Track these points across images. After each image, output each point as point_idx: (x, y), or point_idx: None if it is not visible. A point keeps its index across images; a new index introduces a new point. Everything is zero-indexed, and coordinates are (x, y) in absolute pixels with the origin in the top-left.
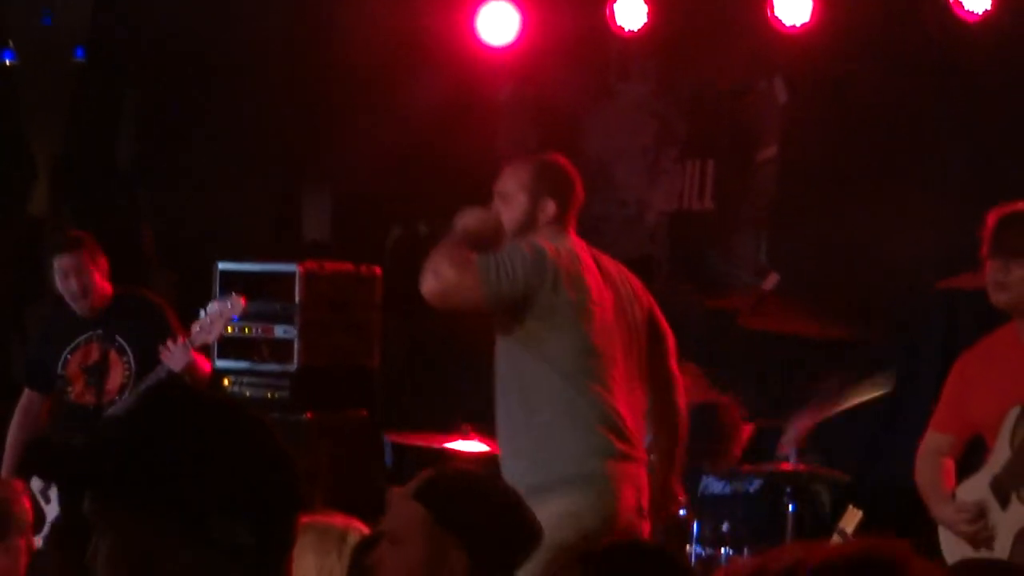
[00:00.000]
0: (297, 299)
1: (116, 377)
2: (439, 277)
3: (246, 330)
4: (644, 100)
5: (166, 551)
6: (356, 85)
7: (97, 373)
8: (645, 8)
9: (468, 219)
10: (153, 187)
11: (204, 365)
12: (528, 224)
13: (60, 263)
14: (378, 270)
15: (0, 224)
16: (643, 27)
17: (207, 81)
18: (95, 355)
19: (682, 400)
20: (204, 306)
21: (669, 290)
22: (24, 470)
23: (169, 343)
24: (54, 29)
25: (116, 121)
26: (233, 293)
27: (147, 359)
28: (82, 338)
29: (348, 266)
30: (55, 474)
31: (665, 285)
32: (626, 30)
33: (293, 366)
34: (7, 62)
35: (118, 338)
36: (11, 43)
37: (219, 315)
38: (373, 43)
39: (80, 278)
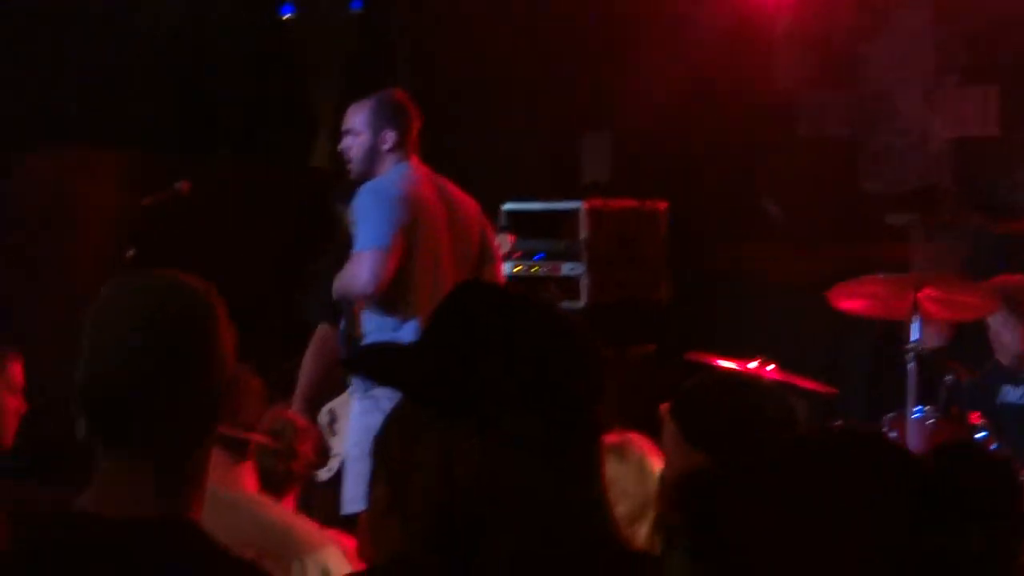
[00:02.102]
0: (583, 236)
1: None
2: (362, 285)
3: (533, 269)
4: (923, 28)
5: (466, 448)
6: (633, 24)
7: None
8: None
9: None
10: (435, 133)
11: None
12: (374, 154)
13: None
14: (662, 205)
15: (283, 177)
16: None
17: (484, 26)
18: None
19: None
20: None
21: (956, 217)
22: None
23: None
24: None
25: (394, 70)
26: (502, 230)
27: None
28: None
29: (632, 202)
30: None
31: (952, 212)
32: None
33: (581, 303)
34: (286, 16)
35: None
36: None
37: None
38: None
39: None
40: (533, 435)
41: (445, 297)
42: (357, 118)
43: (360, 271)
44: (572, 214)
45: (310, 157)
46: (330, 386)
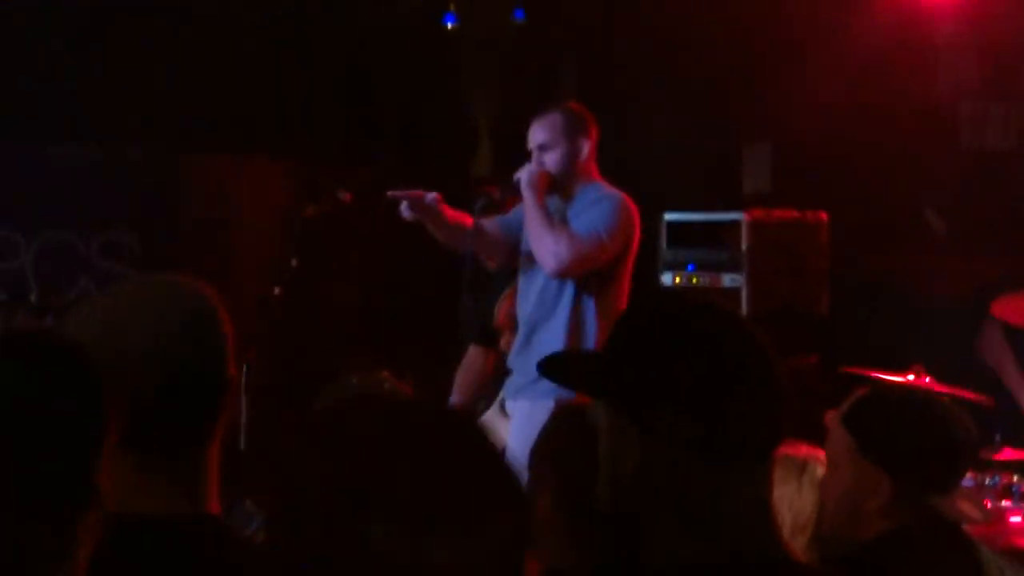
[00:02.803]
0: (744, 247)
1: None
2: (560, 261)
3: (694, 279)
4: None
5: (628, 448)
6: (792, 33)
7: None
8: None
9: (529, 177)
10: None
11: None
12: (571, 166)
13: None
14: (824, 216)
15: (445, 187)
16: None
17: (644, 39)
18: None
19: None
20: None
21: None
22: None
23: None
24: None
25: (556, 81)
26: None
27: None
28: (508, 288)
29: (793, 213)
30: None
31: None
32: None
33: (742, 314)
34: (449, 26)
35: None
36: (452, 6)
37: None
38: None
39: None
40: (689, 437)
41: (631, 305)
42: (546, 132)
43: (561, 248)
44: (733, 225)
45: (471, 167)
46: (474, 406)
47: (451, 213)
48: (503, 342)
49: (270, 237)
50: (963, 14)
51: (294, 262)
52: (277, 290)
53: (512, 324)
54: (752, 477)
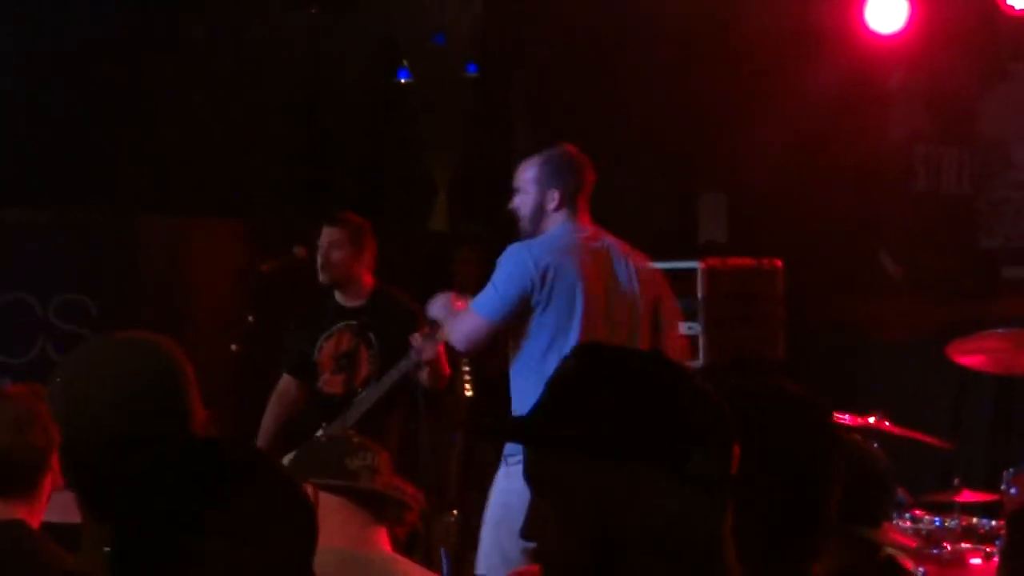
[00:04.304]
0: (700, 295)
1: (362, 369)
2: (456, 340)
3: None
4: None
5: (635, 492)
6: (746, 83)
7: (347, 362)
8: None
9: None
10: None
11: (446, 365)
12: (540, 213)
13: (324, 234)
14: (779, 263)
15: (403, 241)
16: None
17: (598, 89)
18: (346, 345)
19: None
20: None
21: None
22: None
23: (421, 332)
24: (446, 47)
25: (511, 133)
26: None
27: (391, 356)
28: (338, 326)
29: (749, 261)
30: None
31: None
32: (1017, 8)
33: (698, 362)
34: (402, 81)
35: (369, 332)
36: (406, 62)
37: None
38: (762, 39)
39: (332, 254)
40: (708, 475)
41: (563, 360)
42: (525, 176)
43: (460, 328)
44: (689, 273)
45: (429, 220)
46: (287, 437)
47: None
48: (322, 380)
49: (227, 296)
50: (914, 61)
51: (250, 319)
52: (234, 347)
53: (331, 364)
54: (724, 511)
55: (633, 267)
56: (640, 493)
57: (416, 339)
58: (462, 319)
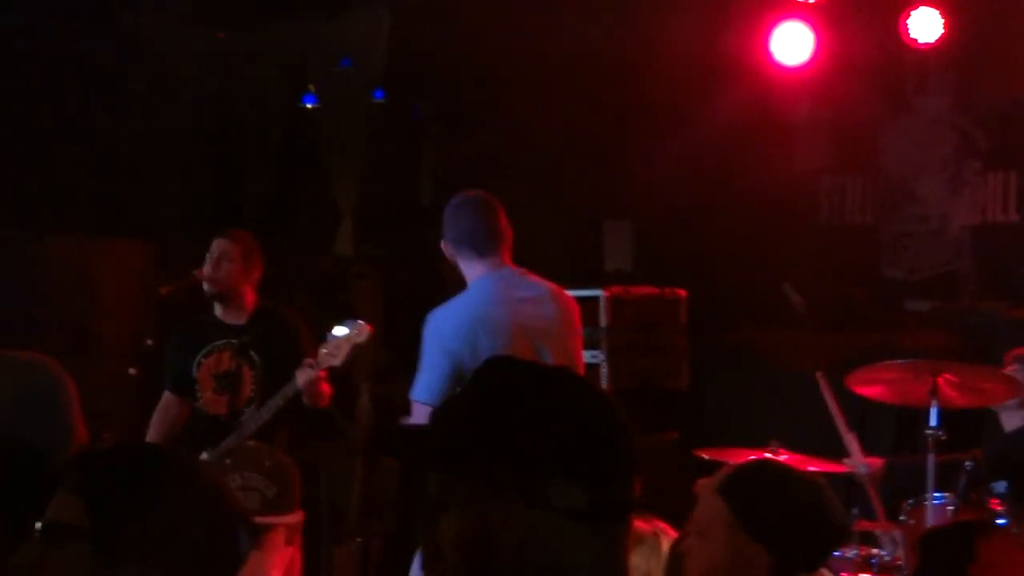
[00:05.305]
0: (603, 324)
1: (245, 389)
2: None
3: None
4: (943, 113)
5: (508, 520)
6: (651, 112)
7: (229, 382)
8: (940, 20)
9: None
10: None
11: (326, 389)
12: (455, 265)
13: (215, 246)
14: (682, 292)
15: (306, 265)
16: (939, 39)
17: (503, 117)
18: (227, 364)
19: None
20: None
21: (976, 302)
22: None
23: (307, 361)
24: (352, 72)
25: (415, 159)
26: (360, 320)
27: (274, 375)
28: (218, 343)
29: (653, 289)
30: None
31: (972, 298)
32: (921, 43)
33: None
34: (309, 106)
35: (251, 351)
36: (312, 87)
37: (346, 340)
38: (667, 69)
39: (222, 265)
40: (574, 506)
41: (476, 371)
42: (443, 229)
43: (416, 424)
44: (593, 302)
45: (334, 244)
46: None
47: None
48: (203, 399)
49: (133, 317)
50: (817, 92)
51: (149, 341)
52: (132, 370)
53: (211, 383)
54: (620, 540)
55: (556, 306)
56: (516, 520)
57: (302, 367)
58: (414, 416)
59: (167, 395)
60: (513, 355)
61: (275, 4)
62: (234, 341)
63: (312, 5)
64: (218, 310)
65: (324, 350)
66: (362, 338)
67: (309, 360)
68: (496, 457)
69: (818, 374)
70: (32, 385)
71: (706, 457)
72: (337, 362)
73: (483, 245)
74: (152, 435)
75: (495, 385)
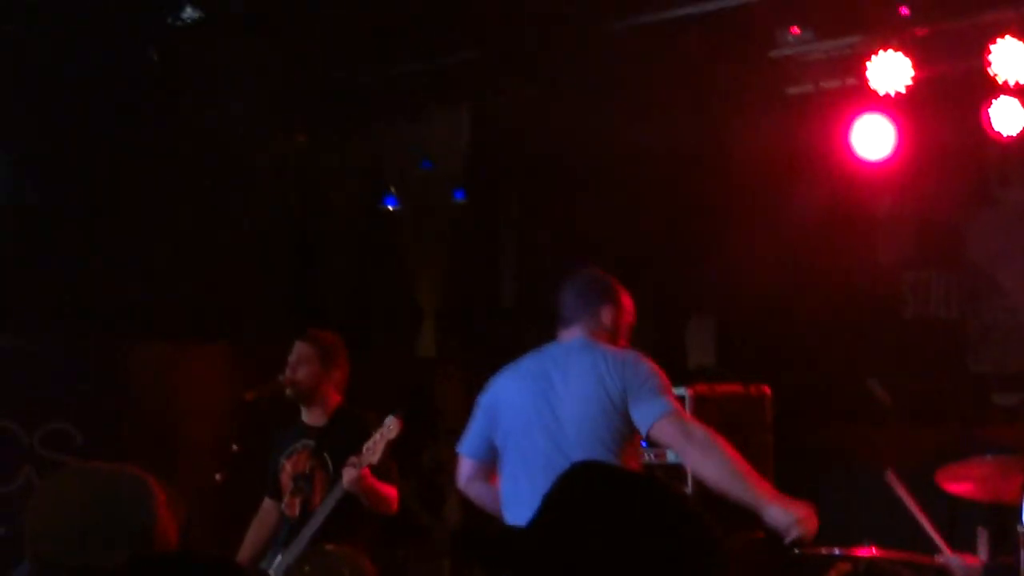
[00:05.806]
0: None
1: (317, 494)
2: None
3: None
4: None
5: None
6: (735, 208)
7: (304, 484)
8: (1023, 111)
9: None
10: (538, 325)
11: (382, 487)
12: (598, 335)
13: (294, 349)
14: (767, 389)
15: (390, 367)
16: (1022, 131)
17: (584, 216)
18: (303, 465)
19: None
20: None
21: None
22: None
23: (350, 459)
24: (433, 173)
25: (497, 259)
26: (391, 415)
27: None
28: (297, 445)
29: (737, 387)
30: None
31: None
32: (1004, 135)
33: (688, 489)
34: (390, 208)
35: (325, 454)
36: (393, 189)
37: (380, 437)
38: (749, 164)
39: (301, 368)
40: None
41: (560, 478)
42: (563, 303)
43: None
44: (678, 400)
45: (416, 345)
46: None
47: None
48: (284, 502)
49: (216, 422)
50: (900, 185)
51: (235, 447)
52: (218, 476)
53: (290, 485)
54: None
55: (579, 358)
56: None
57: (345, 471)
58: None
59: (266, 500)
60: (596, 461)
61: (356, 108)
62: (310, 443)
63: (392, 108)
64: (303, 412)
65: (365, 448)
66: (393, 434)
67: (352, 459)
68: (585, 573)
69: (889, 472)
70: (119, 498)
71: (796, 552)
72: (375, 459)
73: (562, 318)
74: (248, 541)
75: (579, 499)
